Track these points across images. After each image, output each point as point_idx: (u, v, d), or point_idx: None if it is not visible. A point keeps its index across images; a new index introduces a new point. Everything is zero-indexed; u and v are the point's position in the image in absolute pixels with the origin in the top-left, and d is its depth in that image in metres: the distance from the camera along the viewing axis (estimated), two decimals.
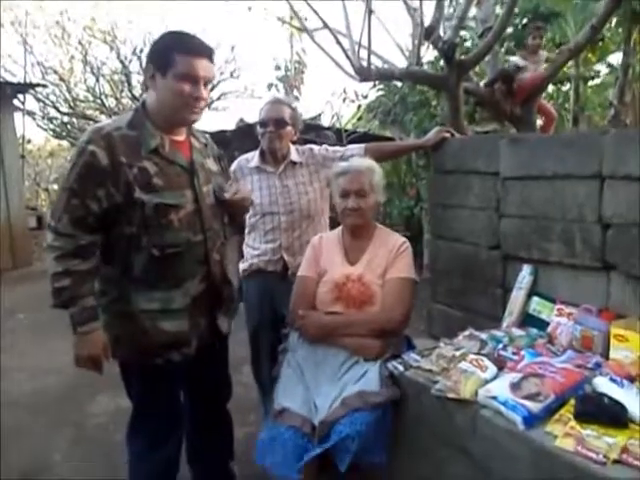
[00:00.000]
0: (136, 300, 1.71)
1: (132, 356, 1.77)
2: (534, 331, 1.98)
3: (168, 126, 1.73)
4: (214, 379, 2.07)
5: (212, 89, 12.37)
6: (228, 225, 1.97)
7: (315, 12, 3.80)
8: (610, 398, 1.45)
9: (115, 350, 1.74)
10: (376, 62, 4.15)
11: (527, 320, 2.08)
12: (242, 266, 2.64)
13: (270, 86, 11.87)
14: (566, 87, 8.01)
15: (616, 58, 8.26)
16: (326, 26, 3.83)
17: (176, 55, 1.63)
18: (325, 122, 8.80)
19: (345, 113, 9.02)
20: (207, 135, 2.00)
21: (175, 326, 1.74)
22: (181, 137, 1.79)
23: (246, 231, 2.61)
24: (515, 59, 4.56)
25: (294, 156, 2.53)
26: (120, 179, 1.62)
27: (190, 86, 1.66)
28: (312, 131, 6.78)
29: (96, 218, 1.63)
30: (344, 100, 7.29)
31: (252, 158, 2.59)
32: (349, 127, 8.12)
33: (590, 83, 9.67)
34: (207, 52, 1.71)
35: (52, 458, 2.75)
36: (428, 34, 3.84)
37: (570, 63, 6.17)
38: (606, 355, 1.75)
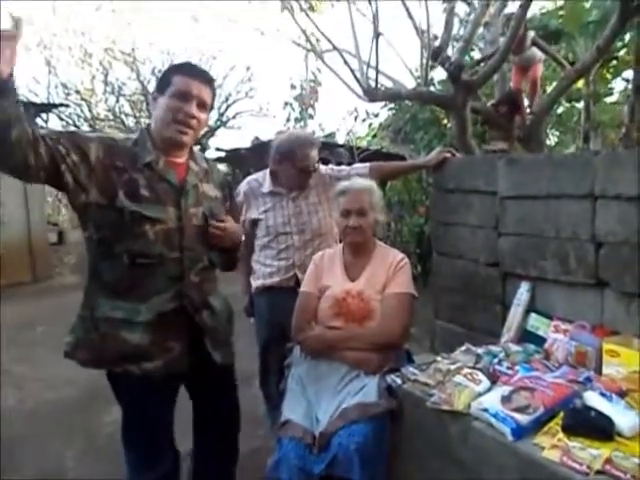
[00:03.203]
0: (102, 307, 1.72)
1: (90, 362, 1.76)
2: (531, 347, 2.02)
3: (164, 146, 1.78)
4: (217, 410, 2.04)
5: (227, 108, 12.64)
6: (217, 257, 1.93)
7: (323, 35, 3.92)
8: (598, 412, 1.49)
9: (74, 353, 1.75)
10: (385, 82, 4.28)
11: (525, 336, 2.12)
12: (254, 283, 2.71)
13: (285, 105, 12.06)
14: (580, 105, 8.05)
15: (631, 74, 8.31)
16: (335, 48, 3.95)
17: (174, 76, 1.75)
18: (340, 139, 8.94)
19: (360, 131, 9.17)
20: (214, 162, 2.05)
21: (134, 338, 1.71)
22: (180, 159, 1.83)
23: (257, 249, 2.70)
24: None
25: None
26: (105, 176, 1.67)
27: (181, 102, 1.73)
28: (326, 149, 6.89)
29: (61, 160, 1.57)
30: (355, 119, 7.41)
31: (263, 180, 2.66)
32: (364, 144, 8.23)
33: (606, 100, 9.68)
34: (204, 76, 1.81)
35: (66, 466, 2.83)
36: (436, 55, 3.94)
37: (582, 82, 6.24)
38: (599, 370, 1.79)
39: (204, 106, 1.79)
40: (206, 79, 1.81)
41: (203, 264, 1.84)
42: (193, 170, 1.86)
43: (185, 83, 1.74)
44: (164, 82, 1.76)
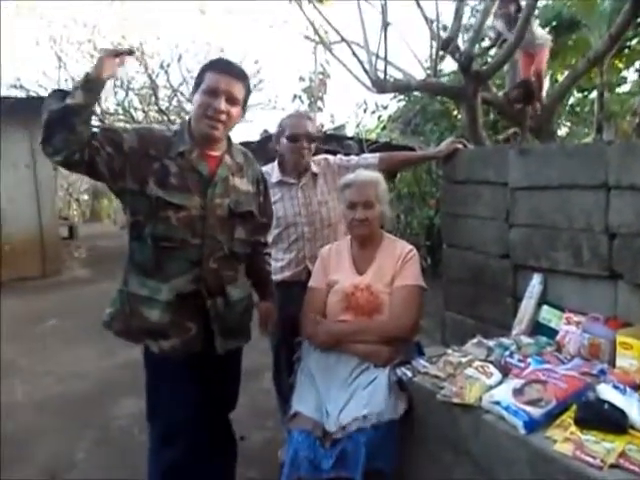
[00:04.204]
0: (132, 283, 1.86)
1: (122, 333, 1.89)
2: (543, 339, 2.00)
3: (199, 139, 1.87)
4: (220, 395, 2.04)
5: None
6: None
7: (332, 26, 3.89)
8: (611, 405, 1.47)
9: (111, 323, 1.90)
10: (395, 73, 4.23)
11: (537, 328, 2.10)
12: None
13: (294, 97, 11.97)
14: (592, 95, 7.93)
15: None
16: (343, 39, 3.91)
17: (206, 73, 1.85)
18: (349, 132, 8.88)
19: (370, 123, 9.10)
20: (253, 159, 2.10)
21: (153, 315, 1.82)
22: (215, 152, 1.91)
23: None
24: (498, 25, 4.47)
25: (314, 168, 2.61)
26: (138, 164, 1.77)
27: (210, 98, 1.81)
28: (335, 141, 6.85)
29: (102, 149, 1.70)
30: (365, 111, 7.35)
31: (272, 172, 2.65)
32: (374, 137, 8.18)
33: (618, 90, 9.54)
34: (234, 71, 1.88)
35: (76, 458, 2.85)
36: (446, 45, 3.89)
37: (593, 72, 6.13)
38: (613, 363, 1.76)
39: (234, 101, 1.85)
40: (236, 74, 1.87)
41: (223, 253, 1.90)
42: (226, 163, 1.94)
43: (214, 79, 1.82)
44: (198, 80, 1.86)
